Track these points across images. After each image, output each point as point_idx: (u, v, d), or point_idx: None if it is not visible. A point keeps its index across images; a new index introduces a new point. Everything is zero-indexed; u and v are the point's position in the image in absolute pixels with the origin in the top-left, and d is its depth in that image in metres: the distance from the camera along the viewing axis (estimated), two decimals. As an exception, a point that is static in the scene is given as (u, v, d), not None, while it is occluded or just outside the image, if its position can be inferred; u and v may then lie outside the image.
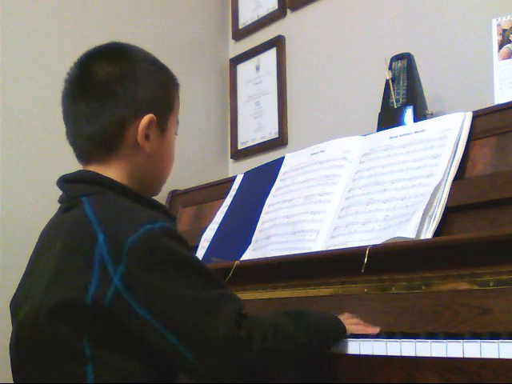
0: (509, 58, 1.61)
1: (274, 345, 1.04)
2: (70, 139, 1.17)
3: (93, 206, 1.07)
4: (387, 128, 1.63)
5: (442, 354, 1.03)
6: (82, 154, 1.16)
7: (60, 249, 1.06)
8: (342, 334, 1.18)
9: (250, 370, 1.04)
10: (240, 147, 2.66)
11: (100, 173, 1.13)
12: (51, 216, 1.19)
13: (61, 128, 1.18)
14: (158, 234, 1.02)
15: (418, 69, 1.81)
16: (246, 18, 2.71)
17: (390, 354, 1.10)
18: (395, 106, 1.76)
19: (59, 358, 1.02)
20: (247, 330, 1.02)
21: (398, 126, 1.66)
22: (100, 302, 0.99)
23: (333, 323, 1.19)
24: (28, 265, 1.18)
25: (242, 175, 2.06)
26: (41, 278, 1.07)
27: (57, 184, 1.17)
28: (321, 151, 1.74)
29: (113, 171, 1.14)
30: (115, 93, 1.12)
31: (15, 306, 1.15)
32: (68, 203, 1.13)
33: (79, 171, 1.17)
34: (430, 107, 1.80)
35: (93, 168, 1.15)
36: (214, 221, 2.01)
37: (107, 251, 1.00)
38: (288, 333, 1.07)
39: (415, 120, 1.70)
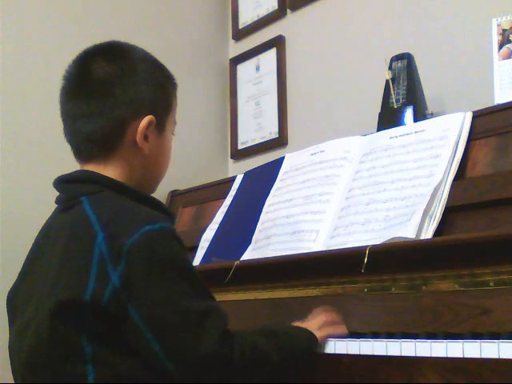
0: (509, 57, 1.61)
1: (250, 363, 1.06)
2: (68, 137, 1.17)
3: (92, 205, 1.07)
4: (387, 128, 1.63)
5: (442, 354, 1.03)
6: (81, 153, 1.16)
7: (61, 249, 1.06)
8: (314, 345, 1.20)
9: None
10: (240, 147, 2.66)
11: (98, 172, 1.13)
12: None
13: (61, 127, 1.18)
14: (157, 235, 1.02)
15: (418, 69, 1.81)
16: (246, 17, 2.71)
17: (390, 353, 1.10)
18: (395, 106, 1.76)
19: (60, 357, 1.01)
20: (229, 347, 1.03)
21: (398, 125, 1.66)
22: (98, 301, 0.99)
23: (302, 337, 1.19)
24: (24, 265, 1.17)
25: (242, 175, 2.06)
26: (45, 279, 1.07)
27: (53, 185, 1.17)
28: (321, 151, 1.74)
29: (111, 170, 1.14)
30: (115, 93, 1.12)
31: (14, 306, 1.15)
32: (66, 203, 1.12)
33: (76, 171, 1.16)
34: (430, 107, 1.80)
35: (91, 167, 1.15)
36: (213, 221, 2.01)
37: (107, 250, 1.00)
38: (263, 351, 1.09)
39: (415, 120, 1.70)
